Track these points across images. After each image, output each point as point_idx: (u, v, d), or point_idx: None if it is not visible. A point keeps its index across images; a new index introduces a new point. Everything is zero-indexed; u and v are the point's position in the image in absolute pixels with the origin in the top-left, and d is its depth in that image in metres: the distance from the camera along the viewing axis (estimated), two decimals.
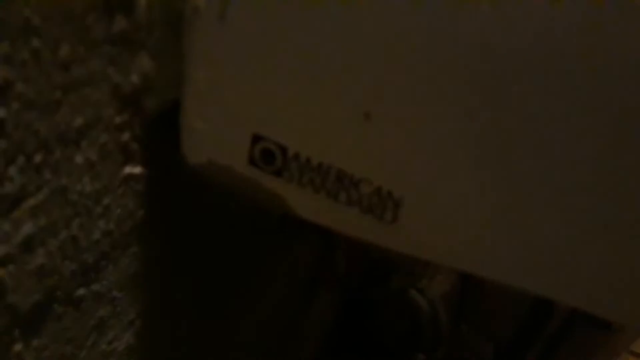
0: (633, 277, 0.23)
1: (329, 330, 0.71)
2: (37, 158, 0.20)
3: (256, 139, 0.25)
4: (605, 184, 0.22)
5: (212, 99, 0.24)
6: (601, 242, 0.23)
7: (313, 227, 0.27)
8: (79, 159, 0.22)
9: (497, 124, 0.22)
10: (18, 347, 0.23)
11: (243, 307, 0.45)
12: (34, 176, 0.20)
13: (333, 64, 0.22)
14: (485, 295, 0.70)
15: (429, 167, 0.23)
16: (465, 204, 0.24)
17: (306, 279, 0.58)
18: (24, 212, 0.20)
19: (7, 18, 0.17)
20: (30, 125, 0.19)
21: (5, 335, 0.22)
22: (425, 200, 0.24)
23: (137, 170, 0.25)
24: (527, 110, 0.21)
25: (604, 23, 0.19)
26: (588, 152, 0.22)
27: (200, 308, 0.37)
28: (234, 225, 0.37)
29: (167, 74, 0.24)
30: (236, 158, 0.25)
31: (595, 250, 0.23)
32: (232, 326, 0.45)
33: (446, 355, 0.72)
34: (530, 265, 0.24)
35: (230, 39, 0.23)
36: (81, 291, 0.25)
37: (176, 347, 0.37)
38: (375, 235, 0.25)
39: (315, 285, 0.62)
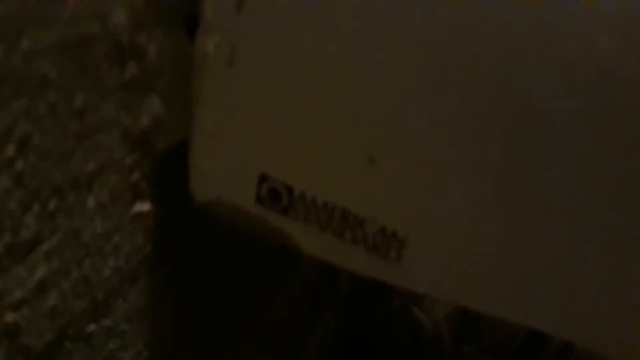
0: (634, 315, 0.24)
1: (331, 349, 0.71)
2: (52, 204, 0.21)
3: (263, 178, 0.25)
4: (605, 227, 0.22)
5: (220, 140, 0.25)
6: (603, 283, 0.23)
7: None
8: (91, 201, 0.23)
9: (500, 167, 0.23)
10: None
11: (247, 330, 0.46)
12: (48, 222, 0.21)
13: (338, 109, 0.23)
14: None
15: (433, 208, 0.24)
16: (470, 243, 0.24)
17: (309, 299, 0.59)
18: (38, 257, 0.21)
19: (26, 75, 0.18)
20: (46, 173, 0.20)
21: None
22: (430, 239, 0.24)
23: (145, 207, 0.26)
24: (532, 159, 0.22)
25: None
26: (589, 192, 0.22)
27: (205, 336, 0.38)
28: (237, 251, 0.37)
29: (176, 115, 0.25)
30: (243, 196, 0.26)
31: (597, 289, 0.23)
32: (236, 351, 0.45)
33: None
34: (533, 303, 0.25)
35: (238, 84, 0.23)
36: (91, 327, 0.26)
37: None
38: (380, 273, 0.26)
39: (318, 305, 0.62)
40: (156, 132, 0.25)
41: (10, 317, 0.20)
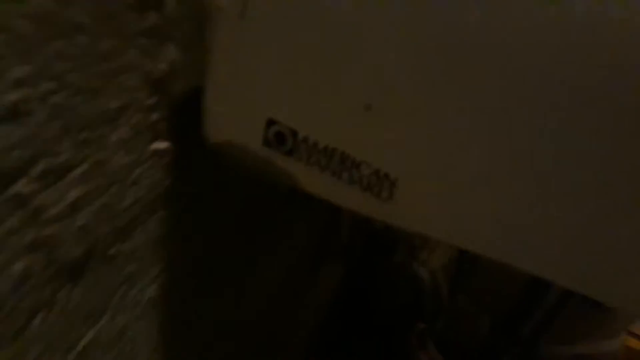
0: (631, 261, 0.25)
1: (334, 299, 0.75)
2: (82, 135, 0.23)
3: (270, 122, 0.28)
4: (606, 166, 0.23)
5: (231, 87, 0.27)
6: (598, 223, 0.24)
7: (319, 201, 0.30)
8: (115, 136, 0.25)
9: (491, 112, 0.25)
10: (62, 293, 0.27)
11: (253, 271, 0.49)
12: (79, 150, 0.24)
13: (338, 61, 0.25)
14: (482, 267, 0.73)
15: (422, 152, 0.26)
16: (457, 185, 0.26)
17: (313, 247, 0.62)
18: (71, 180, 0.24)
19: (61, 19, 0.20)
20: (77, 108, 0.23)
21: (52, 283, 0.26)
22: (418, 181, 0.27)
23: (163, 146, 0.29)
24: (525, 102, 0.24)
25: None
26: (587, 143, 0.24)
27: (215, 267, 0.41)
28: (246, 194, 0.40)
29: (192, 63, 0.27)
30: (252, 139, 0.28)
31: (592, 230, 0.24)
32: (243, 288, 0.49)
33: (445, 324, 0.76)
34: (521, 244, 0.27)
35: (248, 35, 0.25)
36: (114, 250, 0.29)
37: (193, 300, 0.41)
38: (373, 211, 0.28)
39: (322, 254, 0.65)
40: (173, 78, 0.27)
41: (46, 230, 0.23)
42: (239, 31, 0.26)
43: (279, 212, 0.50)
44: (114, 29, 0.23)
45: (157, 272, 0.34)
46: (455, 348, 0.78)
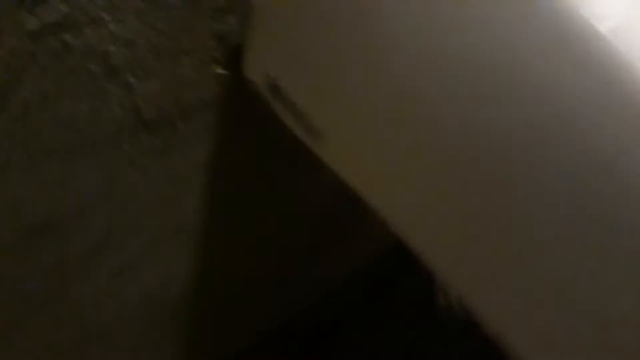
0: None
1: None
2: (172, 58, 0.45)
3: (270, 75, 0.46)
4: None
5: (255, 47, 0.47)
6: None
7: None
8: (190, 61, 0.47)
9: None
10: (142, 143, 0.50)
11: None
12: (166, 65, 0.46)
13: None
14: None
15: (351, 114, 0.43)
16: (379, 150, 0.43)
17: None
18: (157, 78, 0.46)
19: (163, 2, 0.41)
20: (169, 44, 0.44)
21: (138, 134, 0.49)
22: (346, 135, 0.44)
23: (220, 71, 0.50)
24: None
25: None
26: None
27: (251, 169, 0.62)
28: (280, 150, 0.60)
29: (242, 27, 0.47)
30: (262, 82, 0.47)
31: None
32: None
33: None
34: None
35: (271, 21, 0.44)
36: (179, 123, 0.51)
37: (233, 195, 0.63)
38: (312, 147, 0.46)
39: None
40: (229, 35, 0.48)
41: (137, 98, 0.46)
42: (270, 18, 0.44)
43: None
44: (197, 7, 0.44)
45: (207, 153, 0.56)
46: None
